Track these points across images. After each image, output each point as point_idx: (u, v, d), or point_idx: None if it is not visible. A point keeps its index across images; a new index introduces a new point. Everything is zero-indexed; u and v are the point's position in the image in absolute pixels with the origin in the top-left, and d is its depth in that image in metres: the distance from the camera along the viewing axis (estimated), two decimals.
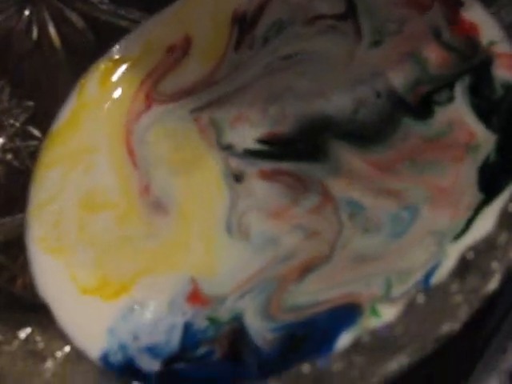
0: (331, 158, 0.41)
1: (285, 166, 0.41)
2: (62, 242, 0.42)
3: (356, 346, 0.32)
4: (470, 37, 0.42)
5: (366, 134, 0.42)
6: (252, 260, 0.39)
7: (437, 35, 0.43)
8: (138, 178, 0.43)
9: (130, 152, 0.43)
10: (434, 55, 0.41)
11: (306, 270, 0.37)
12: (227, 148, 0.42)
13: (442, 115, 0.40)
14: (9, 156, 0.42)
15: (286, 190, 0.40)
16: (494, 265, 0.31)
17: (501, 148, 0.38)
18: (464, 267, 0.32)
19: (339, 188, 0.40)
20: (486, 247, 0.32)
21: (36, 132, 0.44)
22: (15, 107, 0.43)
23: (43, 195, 0.43)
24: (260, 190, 0.41)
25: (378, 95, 0.42)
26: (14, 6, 0.43)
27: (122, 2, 0.46)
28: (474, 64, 0.41)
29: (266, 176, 0.41)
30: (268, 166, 0.42)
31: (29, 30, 0.43)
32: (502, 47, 0.41)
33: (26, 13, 0.43)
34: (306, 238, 0.39)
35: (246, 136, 0.43)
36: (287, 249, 0.38)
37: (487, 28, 0.42)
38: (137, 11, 0.46)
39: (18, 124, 0.43)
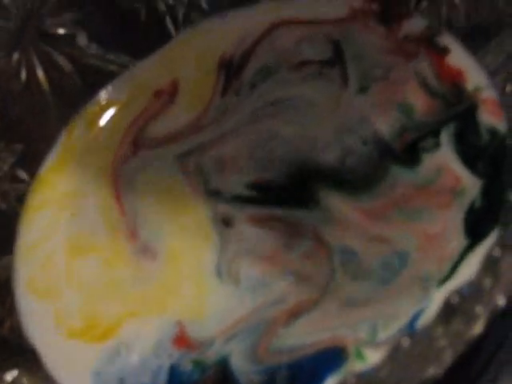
0: (322, 205, 0.44)
1: (275, 211, 0.44)
2: (49, 285, 0.44)
3: None
4: (455, 83, 0.45)
5: (355, 181, 0.44)
6: (241, 304, 0.41)
7: (423, 82, 0.46)
8: (125, 223, 0.45)
9: (118, 197, 0.46)
10: (419, 102, 0.44)
11: (295, 314, 0.40)
12: (215, 194, 0.45)
13: (429, 162, 0.43)
14: None
15: (277, 235, 0.43)
16: (479, 309, 0.33)
17: (486, 193, 0.41)
18: (449, 311, 0.34)
19: (332, 235, 0.43)
20: (471, 292, 0.35)
21: (24, 175, 0.46)
22: (3, 150, 0.45)
23: (31, 238, 0.45)
24: (250, 234, 0.44)
25: (365, 143, 0.45)
26: (3, 49, 0.45)
27: (109, 46, 0.48)
28: (459, 110, 0.44)
29: (256, 221, 0.44)
30: (258, 211, 0.44)
31: (17, 73, 0.45)
32: (487, 93, 0.44)
33: (15, 56, 0.45)
34: (296, 282, 0.41)
35: (234, 182, 0.45)
36: (277, 293, 0.41)
37: (472, 74, 0.46)
38: (124, 56, 0.49)
39: (5, 167, 0.45)
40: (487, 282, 0.35)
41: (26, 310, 0.44)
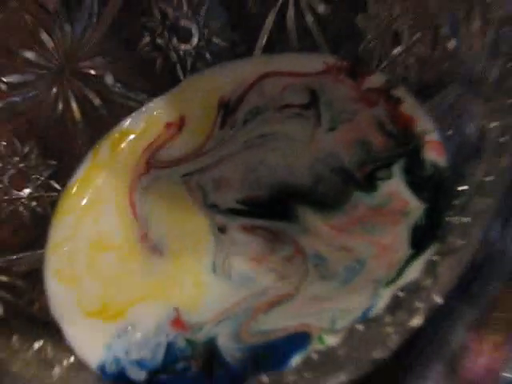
0: (299, 220, 0.49)
1: (261, 223, 0.50)
2: (73, 275, 0.50)
3: (306, 364, 0.41)
4: (406, 127, 0.51)
5: (326, 202, 0.50)
6: (230, 295, 0.47)
7: (380, 125, 0.51)
8: (138, 227, 0.50)
9: (132, 205, 0.51)
10: (377, 141, 0.50)
11: (274, 304, 0.46)
12: (212, 207, 0.50)
13: (383, 189, 0.49)
14: (33, 203, 0.49)
15: (263, 242, 0.49)
16: (419, 304, 0.40)
17: (428, 214, 0.48)
18: (395, 305, 0.41)
19: (307, 243, 0.49)
20: (414, 289, 0.41)
21: (56, 185, 0.51)
22: (41, 164, 0.50)
23: (60, 236, 0.50)
24: (241, 240, 0.49)
25: (333, 171, 0.50)
26: (44, 84, 0.51)
27: (131, 86, 0.53)
28: (408, 148, 0.50)
29: (246, 230, 0.50)
30: (247, 222, 0.50)
31: (55, 104, 0.50)
32: (431, 136, 0.50)
33: (54, 90, 0.50)
34: (277, 280, 0.48)
35: (228, 198, 0.51)
36: (260, 287, 0.47)
37: (421, 120, 0.51)
38: (142, 94, 0.53)
39: (42, 178, 0.50)
40: (427, 283, 0.41)
41: (53, 294, 0.49)
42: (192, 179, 0.52)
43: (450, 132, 0.51)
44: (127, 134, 0.55)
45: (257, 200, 0.51)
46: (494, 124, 0.46)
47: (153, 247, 0.50)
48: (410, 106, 0.52)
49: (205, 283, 0.49)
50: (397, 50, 0.52)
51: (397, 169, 0.50)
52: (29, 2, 0.52)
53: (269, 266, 0.49)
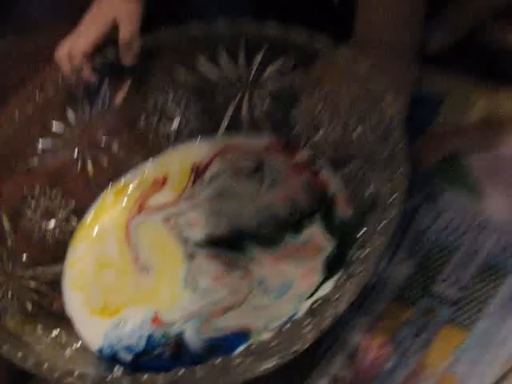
0: (248, 251, 0.60)
1: (220, 252, 0.61)
2: (83, 284, 0.61)
3: (247, 351, 0.47)
4: (323, 189, 0.63)
5: (266, 240, 0.61)
6: (196, 302, 0.58)
7: (306, 187, 0.63)
8: (131, 252, 0.62)
9: (128, 237, 0.64)
10: (302, 198, 0.62)
11: (226, 310, 0.57)
12: (185, 240, 0.62)
13: (307, 231, 0.60)
14: (57, 232, 0.63)
15: (221, 266, 0.60)
16: (329, 312, 0.48)
17: (337, 249, 0.58)
18: (312, 312, 0.48)
19: (254, 268, 0.59)
20: (326, 302, 0.48)
21: (74, 220, 0.64)
22: (63, 205, 0.64)
23: (75, 256, 0.63)
24: (205, 264, 0.61)
25: (271, 219, 0.62)
26: (68, 148, 0.64)
27: (129, 152, 0.67)
28: (325, 204, 0.61)
29: (209, 257, 0.61)
30: (210, 251, 0.61)
31: (76, 163, 0.65)
32: (341, 195, 0.62)
33: (75, 153, 0.65)
34: (230, 293, 0.58)
35: (197, 234, 0.62)
36: (219, 298, 0.57)
37: (333, 184, 0.63)
38: (138, 158, 0.68)
39: (64, 214, 0.64)
40: (335, 298, 0.48)
41: (68, 297, 0.61)
42: (171, 220, 0.64)
43: (354, 192, 0.61)
44: (126, 185, 0.68)
45: (217, 236, 0.62)
46: (384, 188, 0.54)
47: (141, 267, 0.62)
48: (326, 174, 0.65)
49: (178, 294, 0.59)
50: (319, 134, 0.65)
51: (316, 218, 0.62)
52: (61, 90, 0.65)
53: (225, 283, 0.59)
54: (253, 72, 0.67)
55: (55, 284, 0.63)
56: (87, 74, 0.66)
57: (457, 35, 0.76)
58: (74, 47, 0.66)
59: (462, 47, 0.76)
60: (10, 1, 0.90)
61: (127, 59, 0.65)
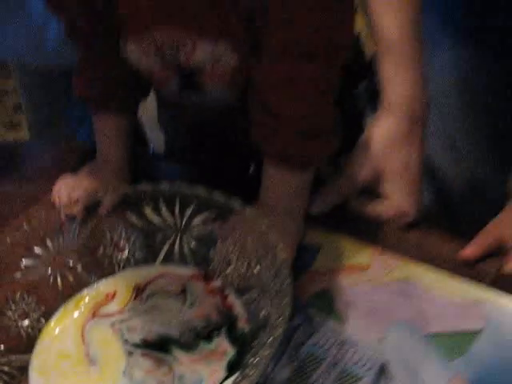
0: (174, 353, 0.69)
1: (152, 352, 0.69)
2: (46, 370, 0.70)
3: None
4: (229, 309, 0.72)
5: (187, 345, 0.70)
6: None
7: (217, 307, 0.72)
8: (84, 348, 0.73)
9: (82, 336, 0.73)
10: (215, 315, 0.72)
11: None
12: (125, 341, 0.72)
13: (216, 341, 0.69)
14: (29, 330, 0.73)
15: (152, 363, 0.67)
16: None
17: (238, 355, 0.67)
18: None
19: (176, 366, 0.68)
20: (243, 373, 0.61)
21: (43, 320, 0.75)
22: (36, 309, 0.74)
23: (41, 349, 0.72)
24: (140, 361, 0.68)
25: (191, 330, 0.71)
26: (43, 267, 0.77)
27: (89, 272, 0.79)
28: (230, 321, 0.70)
29: (144, 355, 0.69)
30: (144, 351, 0.70)
31: (48, 277, 0.76)
32: (242, 315, 0.72)
33: (49, 271, 0.76)
34: (158, 382, 0.68)
35: (135, 337, 0.72)
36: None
37: (237, 307, 0.72)
38: (94, 276, 0.79)
39: (35, 315, 0.74)
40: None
41: (32, 380, 0.71)
42: (116, 325, 0.74)
43: (252, 314, 0.71)
44: (84, 297, 0.79)
45: (150, 340, 0.72)
46: (274, 312, 0.63)
47: (91, 360, 0.71)
48: (232, 299, 0.76)
49: (118, 382, 0.69)
50: (229, 269, 0.77)
51: (223, 331, 0.72)
52: (44, 224, 0.79)
53: (154, 376, 0.69)
54: (184, 221, 0.80)
55: (23, 369, 0.71)
56: (79, 212, 0.80)
57: (333, 203, 0.87)
58: (73, 194, 0.82)
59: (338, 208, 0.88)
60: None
61: (102, 211, 0.81)
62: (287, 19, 0.69)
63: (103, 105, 0.90)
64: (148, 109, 1.06)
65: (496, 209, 0.86)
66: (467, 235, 0.81)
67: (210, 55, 0.76)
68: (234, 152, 0.93)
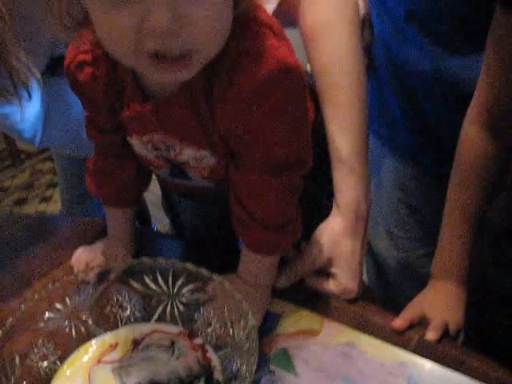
0: None
1: None
2: None
3: None
4: (208, 362, 0.86)
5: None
6: None
7: (198, 361, 0.86)
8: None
9: (89, 377, 0.86)
10: (196, 367, 0.86)
11: None
12: (124, 383, 0.86)
13: None
14: (47, 370, 0.87)
15: None
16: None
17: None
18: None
19: None
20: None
21: (58, 363, 0.88)
22: (52, 353, 0.88)
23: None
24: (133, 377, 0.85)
25: (176, 377, 0.82)
26: (61, 319, 0.93)
27: (99, 326, 0.92)
28: (208, 371, 0.84)
29: None
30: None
31: (66, 319, 0.90)
32: (218, 367, 0.85)
33: (66, 323, 0.93)
34: None
35: (132, 381, 0.83)
36: None
37: (214, 360, 0.86)
38: (100, 329, 0.92)
39: (52, 359, 0.88)
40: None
41: None
42: (116, 370, 0.86)
43: (225, 366, 0.82)
44: (92, 345, 0.91)
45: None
46: (243, 366, 0.75)
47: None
48: (211, 353, 0.87)
49: None
50: (209, 329, 0.89)
51: (202, 379, 0.83)
52: (64, 285, 0.94)
53: None
54: (175, 289, 0.92)
55: None
56: (93, 277, 0.94)
57: (294, 280, 1.00)
58: (89, 262, 1.00)
59: (297, 284, 1.00)
60: None
61: (112, 278, 0.97)
62: (261, 141, 0.80)
63: (112, 204, 1.07)
64: (153, 190, 1.21)
65: (423, 286, 1.04)
66: (400, 307, 0.98)
67: (193, 157, 0.89)
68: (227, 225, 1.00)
